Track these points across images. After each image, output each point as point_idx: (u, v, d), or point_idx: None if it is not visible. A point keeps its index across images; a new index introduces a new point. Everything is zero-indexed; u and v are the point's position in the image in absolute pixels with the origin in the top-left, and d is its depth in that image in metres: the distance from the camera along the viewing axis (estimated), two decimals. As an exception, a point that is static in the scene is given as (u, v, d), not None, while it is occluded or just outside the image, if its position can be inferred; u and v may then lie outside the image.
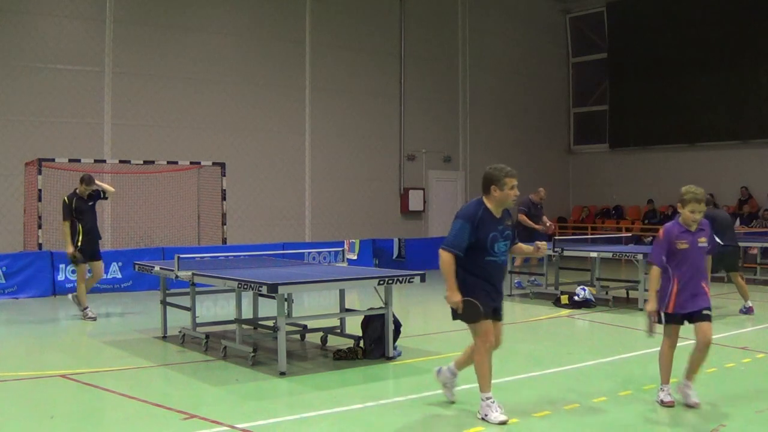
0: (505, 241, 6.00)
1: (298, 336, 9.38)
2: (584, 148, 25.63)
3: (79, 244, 10.95)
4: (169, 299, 9.74)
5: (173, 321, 9.70)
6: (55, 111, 16.57)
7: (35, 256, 14.01)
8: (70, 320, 11.79)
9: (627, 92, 24.13)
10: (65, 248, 11.09)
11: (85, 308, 11.13)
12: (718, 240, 10.95)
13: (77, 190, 11.06)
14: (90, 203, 11.16)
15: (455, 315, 5.99)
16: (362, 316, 8.58)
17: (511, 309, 12.77)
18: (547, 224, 15.19)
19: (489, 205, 5.93)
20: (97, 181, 11.36)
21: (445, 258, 5.83)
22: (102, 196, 11.37)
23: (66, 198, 11.07)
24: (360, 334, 8.49)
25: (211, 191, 17.09)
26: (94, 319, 11.07)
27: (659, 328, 6.22)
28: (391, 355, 8.22)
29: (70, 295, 11.69)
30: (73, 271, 14.15)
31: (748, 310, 11.38)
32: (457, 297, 5.85)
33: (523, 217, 15.00)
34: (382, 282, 8.07)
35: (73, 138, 16.59)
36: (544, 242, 6.51)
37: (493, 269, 5.95)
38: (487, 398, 5.89)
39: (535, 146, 24.22)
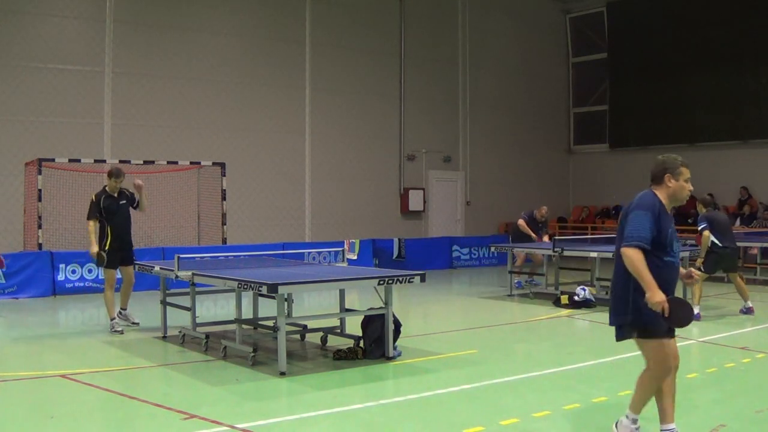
0: (677, 242, 5.13)
1: (298, 336, 9.38)
2: (584, 148, 25.63)
3: (107, 247, 9.95)
4: (169, 299, 9.74)
5: (173, 321, 9.70)
6: (55, 111, 16.57)
7: (35, 256, 14.00)
8: (70, 320, 11.80)
9: (627, 92, 24.12)
10: (89, 248, 9.96)
11: (113, 319, 10.08)
12: (716, 241, 10.99)
13: (107, 187, 10.10)
14: (122, 202, 10.15)
15: (638, 326, 4.95)
16: (362, 316, 8.58)
17: (511, 309, 12.81)
18: (544, 240, 15.37)
19: (661, 197, 5.06)
20: (138, 182, 10.25)
21: (632, 255, 4.83)
22: (135, 203, 10.35)
23: (94, 196, 10.03)
24: (360, 334, 8.49)
25: (211, 191, 17.09)
26: (121, 332, 9.93)
27: None
28: (391, 355, 8.22)
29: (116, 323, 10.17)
30: (74, 271, 14.19)
31: (748, 311, 11.39)
32: (661, 296, 4.75)
33: (522, 223, 15.30)
34: (382, 282, 8.06)
35: (73, 138, 16.59)
36: (698, 272, 5.53)
37: (670, 272, 5.01)
38: (634, 420, 5.14)
39: (535, 146, 24.20)
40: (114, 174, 10.13)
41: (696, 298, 10.88)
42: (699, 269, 11.04)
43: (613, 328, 5.22)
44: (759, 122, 20.91)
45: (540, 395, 6.78)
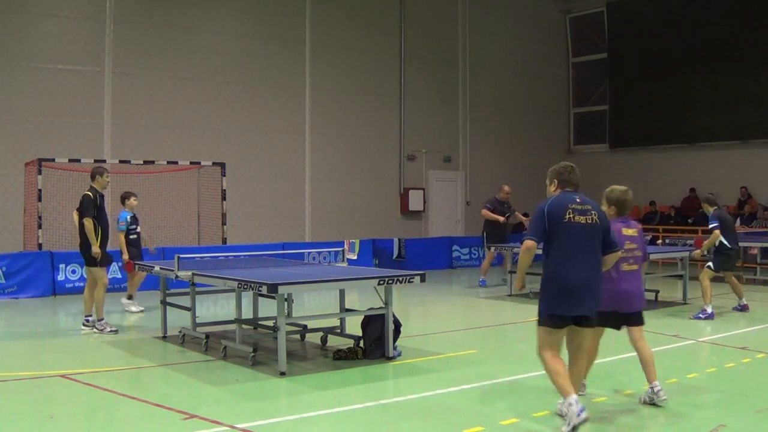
0: None
1: (298, 336, 9.38)
2: (584, 148, 25.60)
3: (100, 246, 9.82)
4: (169, 299, 9.73)
5: (173, 321, 9.70)
6: (55, 111, 16.57)
7: (35, 256, 13.99)
8: (70, 320, 11.79)
9: (627, 92, 24.12)
10: (92, 247, 9.72)
11: (101, 319, 9.95)
12: (726, 242, 10.97)
13: (94, 187, 9.87)
14: (104, 203, 10.08)
15: None
16: (362, 316, 8.58)
17: (511, 309, 12.81)
18: (518, 216, 15.43)
19: None
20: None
21: None
22: None
23: (90, 193, 9.76)
24: (360, 334, 8.49)
25: (211, 191, 17.08)
26: (116, 331, 9.91)
27: None
28: (391, 355, 8.22)
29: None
30: (74, 271, 14.17)
31: (743, 308, 11.42)
32: None
33: (484, 212, 15.46)
34: (382, 282, 8.06)
35: (73, 138, 16.59)
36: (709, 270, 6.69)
37: None
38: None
39: (535, 146, 24.18)
40: (101, 172, 9.98)
41: (707, 298, 10.84)
42: (709, 267, 11.05)
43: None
44: (759, 122, 20.90)
45: (540, 395, 6.78)
